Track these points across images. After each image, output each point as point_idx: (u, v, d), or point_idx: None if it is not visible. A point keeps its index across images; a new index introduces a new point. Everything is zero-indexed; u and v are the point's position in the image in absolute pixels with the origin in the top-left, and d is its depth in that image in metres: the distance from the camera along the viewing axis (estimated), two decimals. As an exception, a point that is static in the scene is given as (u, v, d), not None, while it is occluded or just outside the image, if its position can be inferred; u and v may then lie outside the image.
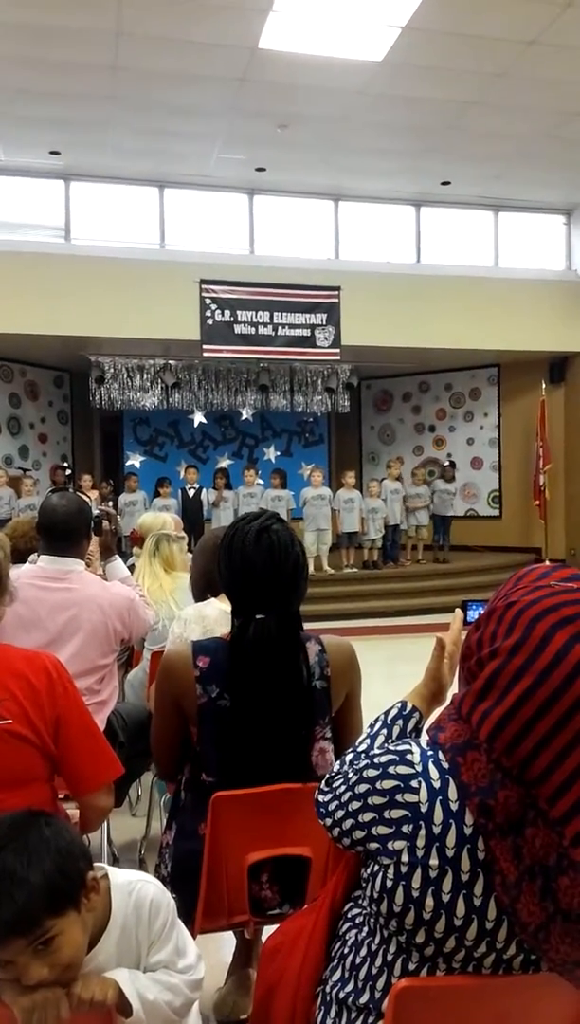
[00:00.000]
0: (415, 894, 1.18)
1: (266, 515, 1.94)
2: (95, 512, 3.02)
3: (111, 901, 1.35)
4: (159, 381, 11.66)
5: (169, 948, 1.38)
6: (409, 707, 1.49)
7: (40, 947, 1.21)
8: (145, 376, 11.61)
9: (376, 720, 1.49)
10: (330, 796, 1.33)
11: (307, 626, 1.98)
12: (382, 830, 1.22)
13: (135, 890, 1.38)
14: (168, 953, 1.38)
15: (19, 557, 2.98)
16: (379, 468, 13.06)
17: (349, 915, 1.37)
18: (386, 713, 1.49)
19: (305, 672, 1.89)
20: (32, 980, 1.20)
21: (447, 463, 12.24)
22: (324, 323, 10.97)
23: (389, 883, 1.20)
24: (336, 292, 10.89)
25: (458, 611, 1.59)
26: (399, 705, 1.50)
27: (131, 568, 3.73)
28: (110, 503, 10.01)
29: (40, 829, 1.27)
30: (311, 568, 10.34)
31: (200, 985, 1.43)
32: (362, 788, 1.26)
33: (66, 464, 12.12)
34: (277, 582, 1.85)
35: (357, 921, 1.33)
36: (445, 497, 11.60)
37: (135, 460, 13.09)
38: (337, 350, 11.09)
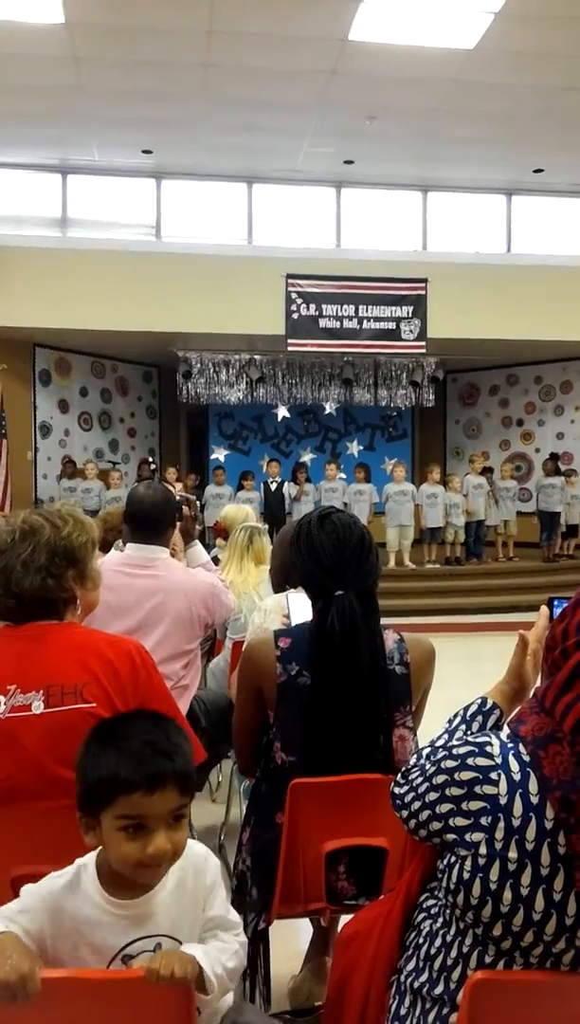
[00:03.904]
0: (493, 887, 1.17)
1: (328, 505, 2.16)
2: (176, 498, 3.09)
3: None
4: (244, 375, 11.78)
5: (221, 902, 1.42)
6: (489, 703, 1.47)
7: (173, 820, 1.30)
8: (230, 371, 11.75)
9: (455, 715, 1.47)
10: (407, 788, 1.33)
11: (388, 621, 2.00)
12: (460, 822, 1.21)
13: (186, 845, 1.42)
14: (221, 907, 1.41)
15: (104, 547, 3.07)
16: (463, 463, 12.85)
17: (424, 905, 1.37)
18: (466, 708, 1.48)
19: (383, 653, 1.92)
20: (159, 847, 1.27)
21: (548, 457, 11.74)
22: (410, 316, 10.85)
23: (466, 875, 1.19)
24: (423, 284, 10.76)
25: (544, 608, 1.55)
26: (479, 701, 1.48)
27: (214, 560, 3.79)
28: (195, 496, 10.19)
29: (178, 730, 1.39)
30: (392, 563, 10.29)
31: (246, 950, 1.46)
32: (440, 779, 1.25)
33: (151, 459, 12.41)
34: (345, 558, 1.93)
35: (432, 911, 1.33)
36: (550, 492, 11.06)
37: (220, 454, 13.28)
38: (423, 343, 10.96)
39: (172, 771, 1.30)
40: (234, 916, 1.44)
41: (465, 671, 5.95)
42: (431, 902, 1.35)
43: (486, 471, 11.27)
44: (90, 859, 1.36)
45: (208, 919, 1.39)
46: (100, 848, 1.34)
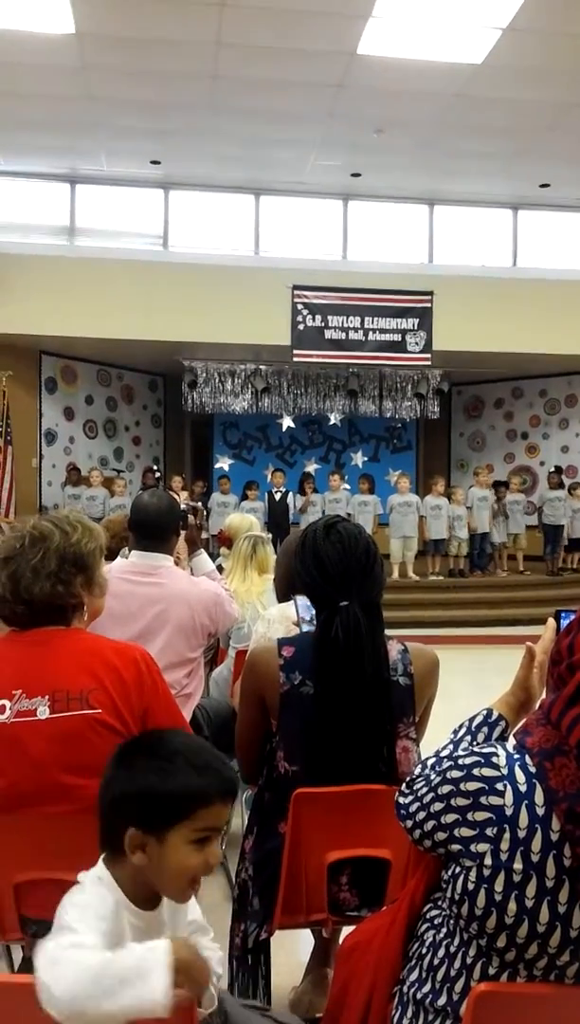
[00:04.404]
0: (497, 898, 1.16)
1: (334, 515, 2.12)
2: (182, 507, 3.09)
3: None
4: (249, 386, 11.80)
5: (196, 906, 1.42)
6: (495, 714, 1.47)
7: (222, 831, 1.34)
8: (236, 381, 11.77)
9: (460, 726, 1.47)
10: (411, 798, 1.33)
11: (391, 632, 2.00)
12: (465, 832, 1.21)
13: None
14: (198, 910, 1.42)
15: (109, 555, 3.07)
16: (468, 475, 12.85)
17: (428, 916, 1.36)
18: (471, 719, 1.47)
19: (387, 664, 1.92)
20: (217, 855, 1.30)
21: (553, 470, 11.74)
22: (415, 328, 10.88)
23: (471, 885, 1.19)
24: (428, 297, 10.79)
25: (550, 620, 1.55)
26: (485, 712, 1.48)
27: (219, 568, 3.79)
28: (200, 503, 10.19)
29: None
30: (396, 574, 10.27)
31: None
32: (445, 789, 1.25)
33: (156, 468, 12.43)
34: (350, 569, 1.92)
35: (436, 922, 1.33)
36: (555, 505, 11.06)
37: (224, 463, 13.29)
38: (428, 355, 10.98)
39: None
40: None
41: (469, 683, 5.92)
42: (435, 912, 1.35)
43: (498, 485, 11.26)
44: (103, 873, 1.31)
45: (188, 922, 1.40)
46: (104, 862, 1.31)
